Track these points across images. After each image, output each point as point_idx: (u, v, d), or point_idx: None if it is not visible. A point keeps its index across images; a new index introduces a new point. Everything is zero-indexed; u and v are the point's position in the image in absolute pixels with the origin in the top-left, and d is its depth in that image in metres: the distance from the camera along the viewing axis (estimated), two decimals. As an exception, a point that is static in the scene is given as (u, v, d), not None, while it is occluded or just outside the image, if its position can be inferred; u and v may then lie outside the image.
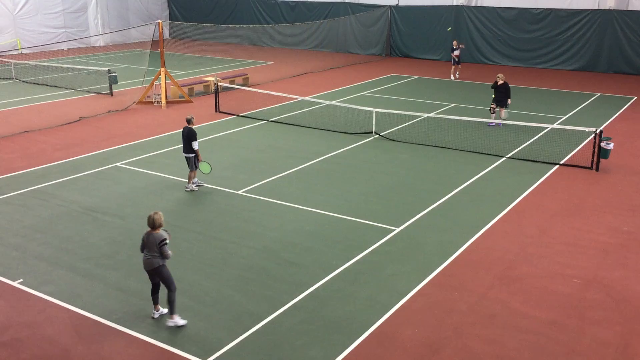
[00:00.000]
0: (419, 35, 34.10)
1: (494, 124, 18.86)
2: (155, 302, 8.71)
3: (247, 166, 15.12)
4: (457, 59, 27.66)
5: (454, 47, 27.61)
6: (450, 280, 9.66)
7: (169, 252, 8.40)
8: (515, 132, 18.13)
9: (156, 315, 8.66)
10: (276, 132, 18.40)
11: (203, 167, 13.39)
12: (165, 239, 8.38)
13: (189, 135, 13.14)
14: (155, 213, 8.46)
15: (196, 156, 13.24)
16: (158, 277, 8.51)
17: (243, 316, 8.61)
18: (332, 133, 18.24)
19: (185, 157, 13.34)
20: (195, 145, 13.13)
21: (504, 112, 18.71)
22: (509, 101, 18.72)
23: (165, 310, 8.64)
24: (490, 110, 18.82)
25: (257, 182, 13.98)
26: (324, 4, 37.21)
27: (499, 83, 18.58)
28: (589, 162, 15.18)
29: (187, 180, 13.58)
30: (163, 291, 8.55)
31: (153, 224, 8.38)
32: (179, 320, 8.44)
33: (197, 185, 13.52)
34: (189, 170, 13.40)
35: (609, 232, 11.51)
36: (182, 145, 13.44)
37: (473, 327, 8.43)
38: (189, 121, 13.31)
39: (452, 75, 27.83)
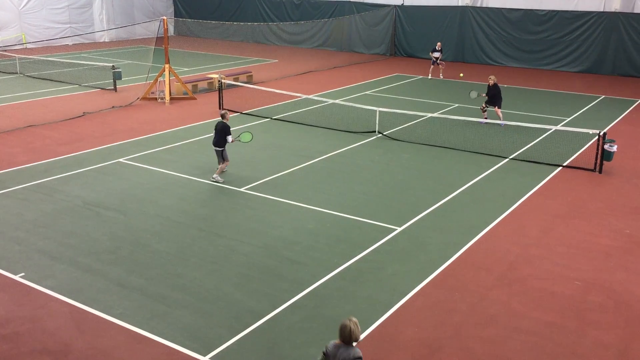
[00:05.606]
0: (423, 35, 34.03)
1: (484, 122, 19.30)
2: None
3: (249, 163, 15.12)
4: (435, 60, 27.81)
5: (437, 48, 27.74)
6: (451, 281, 9.65)
7: None
8: (518, 133, 18.10)
9: None
10: (279, 130, 18.40)
11: (244, 136, 14.01)
12: (361, 357, 5.66)
13: (223, 129, 13.77)
14: (350, 320, 5.67)
15: (224, 150, 13.92)
16: None
17: (244, 313, 8.61)
18: (335, 132, 18.23)
19: (217, 149, 13.91)
20: (229, 139, 13.82)
21: (499, 112, 19.23)
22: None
23: None
24: (481, 109, 19.59)
25: (260, 179, 13.99)
26: (329, 2, 37.17)
27: (490, 84, 19.21)
28: (592, 164, 15.15)
29: (216, 172, 13.97)
30: None
31: (349, 338, 5.63)
32: None
33: (215, 181, 13.84)
34: (218, 162, 13.99)
35: (611, 235, 11.49)
36: (212, 138, 13.97)
37: (474, 327, 8.43)
38: (222, 116, 14.02)
39: (430, 74, 28.05)
